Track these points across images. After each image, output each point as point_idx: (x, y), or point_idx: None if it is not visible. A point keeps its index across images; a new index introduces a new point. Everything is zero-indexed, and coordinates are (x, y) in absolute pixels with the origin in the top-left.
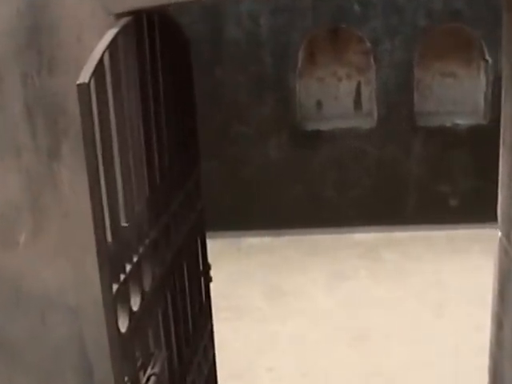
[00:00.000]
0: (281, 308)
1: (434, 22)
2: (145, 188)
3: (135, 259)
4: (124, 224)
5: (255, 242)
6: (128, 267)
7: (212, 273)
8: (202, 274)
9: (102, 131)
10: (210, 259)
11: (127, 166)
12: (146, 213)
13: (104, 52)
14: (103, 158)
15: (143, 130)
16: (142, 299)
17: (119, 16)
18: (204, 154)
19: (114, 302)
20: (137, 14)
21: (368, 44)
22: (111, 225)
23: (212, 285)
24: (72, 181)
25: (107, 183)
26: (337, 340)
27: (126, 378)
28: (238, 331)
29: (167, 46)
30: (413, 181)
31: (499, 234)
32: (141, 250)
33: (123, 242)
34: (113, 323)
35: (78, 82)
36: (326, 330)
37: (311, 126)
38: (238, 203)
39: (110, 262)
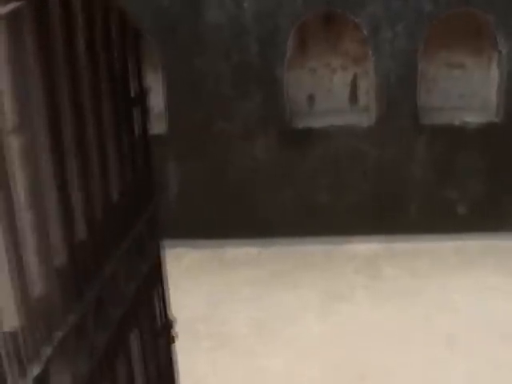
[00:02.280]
0: (268, 336)
1: (441, 6)
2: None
3: (43, 358)
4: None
5: (240, 253)
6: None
7: (191, 289)
8: (160, 335)
9: None
10: (189, 271)
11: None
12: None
13: None
14: None
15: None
16: None
17: None
18: (183, 154)
19: None
20: None
21: (366, 31)
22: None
23: (191, 305)
24: None
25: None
26: (331, 380)
27: None
28: (219, 365)
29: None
30: (416, 185)
31: None
32: (49, 350)
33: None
34: None
35: None
36: (319, 367)
37: (302, 123)
38: (220, 209)
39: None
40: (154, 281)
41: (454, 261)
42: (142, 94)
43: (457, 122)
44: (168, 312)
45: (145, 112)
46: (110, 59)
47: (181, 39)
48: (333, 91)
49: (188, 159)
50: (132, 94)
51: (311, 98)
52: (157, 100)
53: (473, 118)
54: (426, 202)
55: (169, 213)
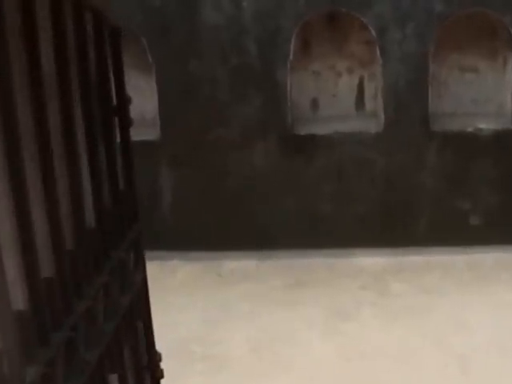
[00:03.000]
0: (267, 358)
1: (453, 6)
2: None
3: None
4: None
5: (238, 266)
6: None
7: (186, 305)
8: (147, 373)
9: None
10: (183, 286)
11: None
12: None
13: None
14: None
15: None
16: None
17: None
18: (178, 162)
19: None
20: None
21: (373, 32)
22: None
23: (185, 323)
24: None
25: None
26: None
27: None
28: None
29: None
30: (426, 195)
31: None
32: None
33: None
34: None
35: None
36: None
37: (305, 130)
38: (217, 219)
39: None
40: (138, 313)
41: (466, 276)
42: (124, 103)
43: (470, 129)
44: (154, 346)
45: (126, 123)
46: (83, 63)
47: (175, 40)
48: (338, 96)
49: (183, 167)
50: (111, 103)
51: (315, 103)
52: (150, 105)
53: (486, 125)
54: (436, 213)
55: (162, 223)
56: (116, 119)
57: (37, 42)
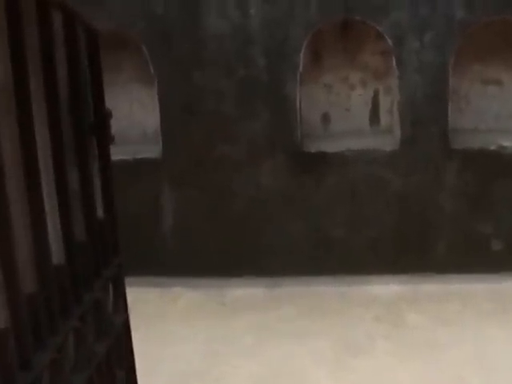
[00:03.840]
0: None
1: (476, 13)
2: None
3: None
4: None
5: (244, 294)
6: None
7: (186, 337)
8: None
9: None
10: (185, 315)
11: None
12: None
13: None
14: None
15: None
16: None
17: None
18: (180, 181)
19: None
20: None
21: (389, 41)
22: None
23: (186, 356)
24: None
25: None
26: None
27: None
28: None
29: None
30: (445, 218)
31: None
32: None
33: None
34: None
35: None
36: None
37: (315, 147)
38: (221, 244)
39: None
40: (117, 361)
41: (488, 306)
42: (103, 118)
43: (492, 147)
44: None
45: (105, 141)
46: (49, 72)
47: (178, 50)
48: (351, 110)
49: (185, 187)
50: (88, 118)
51: (326, 118)
52: (151, 119)
53: (511, 142)
54: (456, 237)
55: (163, 247)
56: (94, 137)
57: None
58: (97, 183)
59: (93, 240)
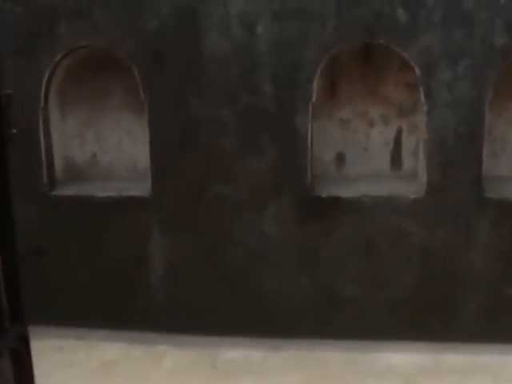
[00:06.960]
0: None
1: None
2: None
3: None
4: None
5: (239, 356)
6: None
7: None
8: None
9: None
10: (171, 377)
11: None
12: None
13: None
14: None
15: None
16: None
17: None
18: (171, 225)
19: None
20: None
21: (417, 70)
22: None
23: None
24: None
25: None
26: None
27: None
28: None
29: None
30: (475, 279)
31: None
32: None
33: None
34: None
35: None
36: None
37: (328, 191)
38: (216, 298)
39: None
40: None
41: None
42: None
43: None
44: None
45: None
46: None
47: (172, 74)
48: (369, 150)
49: (177, 232)
50: None
51: (341, 158)
52: (141, 152)
53: None
54: (486, 302)
55: (150, 300)
56: None
57: None
58: None
59: None
